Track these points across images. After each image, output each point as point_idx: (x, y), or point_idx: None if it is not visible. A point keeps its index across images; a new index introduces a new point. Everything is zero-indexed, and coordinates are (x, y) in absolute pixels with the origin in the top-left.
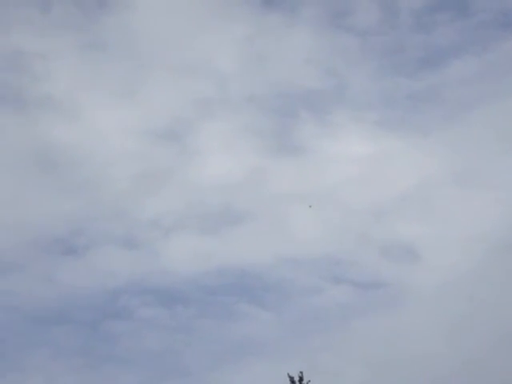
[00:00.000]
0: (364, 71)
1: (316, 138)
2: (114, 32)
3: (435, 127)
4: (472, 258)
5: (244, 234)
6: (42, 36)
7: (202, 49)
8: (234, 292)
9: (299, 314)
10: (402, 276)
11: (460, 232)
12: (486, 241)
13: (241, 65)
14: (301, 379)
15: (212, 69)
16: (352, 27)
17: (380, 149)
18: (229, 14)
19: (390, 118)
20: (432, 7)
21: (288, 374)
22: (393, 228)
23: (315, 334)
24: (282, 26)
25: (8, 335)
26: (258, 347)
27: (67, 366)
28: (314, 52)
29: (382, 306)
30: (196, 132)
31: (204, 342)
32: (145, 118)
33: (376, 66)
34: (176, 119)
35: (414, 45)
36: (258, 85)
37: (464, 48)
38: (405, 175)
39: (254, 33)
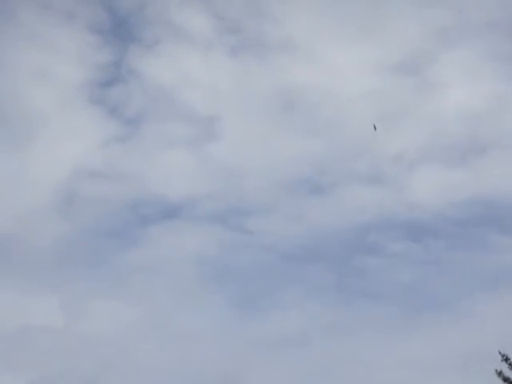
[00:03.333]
0: None
1: None
2: None
3: None
4: None
5: (492, 163)
6: None
7: None
8: (484, 223)
9: None
10: None
11: None
12: None
13: None
14: None
15: None
16: None
17: None
18: None
19: None
20: None
21: None
22: None
23: None
24: None
25: (266, 273)
26: None
27: (322, 302)
28: None
29: None
30: (436, 63)
31: (455, 273)
32: (382, 53)
33: None
34: (414, 51)
35: None
36: (498, 9)
37: None
38: None
39: None
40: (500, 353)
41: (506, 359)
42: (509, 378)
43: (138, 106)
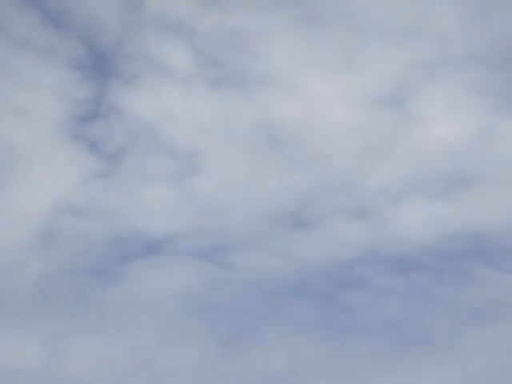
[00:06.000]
0: None
1: None
2: (328, 3)
3: None
4: None
5: (476, 196)
6: (258, 14)
7: (419, 9)
8: (469, 256)
9: None
10: None
11: None
12: None
13: (463, 22)
14: None
15: (432, 29)
16: None
17: None
18: None
19: None
20: None
21: None
22: None
23: None
24: None
25: (251, 309)
26: (501, 311)
27: (307, 337)
28: None
29: None
30: (419, 96)
31: (442, 307)
32: (365, 86)
33: None
34: (397, 84)
35: None
36: (482, 42)
37: None
38: None
39: None
40: None
41: None
42: None
43: (118, 141)
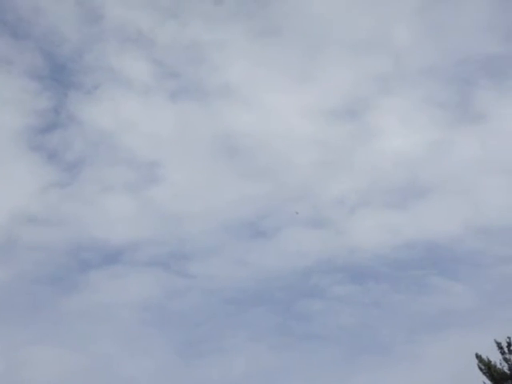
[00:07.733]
0: None
1: (498, 106)
2: (286, 16)
3: None
4: None
5: (430, 206)
6: (216, 26)
7: (374, 23)
8: (423, 265)
9: (494, 284)
10: None
11: None
12: None
13: (416, 36)
14: (509, 345)
15: (386, 43)
16: None
17: None
18: None
19: None
20: None
21: (495, 340)
22: None
23: None
24: None
25: (209, 317)
26: (453, 319)
27: (266, 346)
28: (493, 17)
29: None
30: (374, 109)
31: (398, 315)
32: (321, 98)
33: None
34: (353, 97)
35: None
36: (435, 55)
37: None
38: None
39: (427, 2)
40: None
41: None
42: None
43: (77, 152)
